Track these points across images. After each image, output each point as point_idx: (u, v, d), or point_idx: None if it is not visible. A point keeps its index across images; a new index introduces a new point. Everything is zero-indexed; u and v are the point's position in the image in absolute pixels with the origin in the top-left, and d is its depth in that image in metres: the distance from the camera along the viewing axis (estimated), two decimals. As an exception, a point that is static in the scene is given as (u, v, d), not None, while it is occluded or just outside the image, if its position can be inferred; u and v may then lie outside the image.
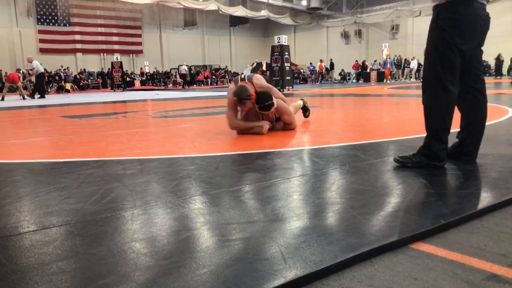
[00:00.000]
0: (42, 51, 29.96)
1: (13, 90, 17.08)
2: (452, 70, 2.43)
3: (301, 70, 31.87)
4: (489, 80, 19.53)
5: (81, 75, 29.45)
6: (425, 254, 1.40)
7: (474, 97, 2.58)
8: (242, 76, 4.93)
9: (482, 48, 2.60)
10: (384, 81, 24.17)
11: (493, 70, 24.08)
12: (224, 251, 1.39)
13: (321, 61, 29.31)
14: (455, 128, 2.71)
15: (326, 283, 1.23)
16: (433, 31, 2.49)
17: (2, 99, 14.40)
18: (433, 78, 2.48)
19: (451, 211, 1.73)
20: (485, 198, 1.94)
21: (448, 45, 2.40)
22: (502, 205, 1.84)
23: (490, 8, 2.52)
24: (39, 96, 15.82)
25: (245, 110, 4.19)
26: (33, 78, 16.48)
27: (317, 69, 29.02)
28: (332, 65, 28.02)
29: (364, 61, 28.71)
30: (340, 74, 30.58)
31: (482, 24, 2.45)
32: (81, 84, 28.74)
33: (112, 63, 23.62)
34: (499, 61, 23.55)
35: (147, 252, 1.41)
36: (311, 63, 30.61)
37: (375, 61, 27.53)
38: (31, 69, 15.91)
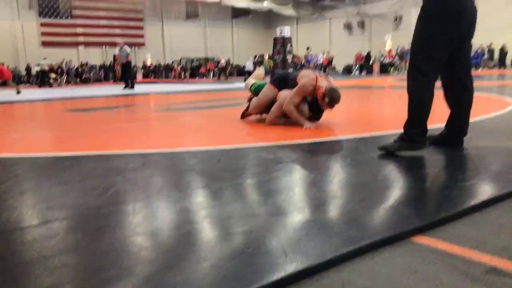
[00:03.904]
0: (44, 44, 29.97)
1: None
2: (432, 60, 2.51)
3: (302, 62, 31.64)
4: (493, 72, 19.43)
5: (83, 68, 29.45)
6: (426, 247, 1.40)
7: (460, 88, 2.67)
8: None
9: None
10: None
11: (497, 61, 23.93)
12: (225, 244, 1.40)
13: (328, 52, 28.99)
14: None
15: (327, 276, 1.23)
16: (419, 21, 2.57)
17: None
18: (414, 66, 2.57)
19: (452, 204, 1.73)
20: (486, 191, 1.93)
21: (431, 35, 2.48)
22: (503, 198, 1.83)
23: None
24: (129, 86, 14.61)
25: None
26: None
27: (321, 61, 28.58)
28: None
29: (369, 52, 28.46)
30: (344, 66, 30.37)
31: (468, 15, 2.49)
32: (84, 77, 28.75)
33: (114, 55, 23.55)
34: (503, 52, 23.40)
35: (148, 245, 1.42)
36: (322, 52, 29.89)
37: (379, 51, 27.39)
38: (124, 55, 14.46)
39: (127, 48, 14.43)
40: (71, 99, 10.64)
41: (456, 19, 2.45)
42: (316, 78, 4.00)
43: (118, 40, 15.13)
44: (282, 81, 4.31)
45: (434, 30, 2.47)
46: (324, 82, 3.99)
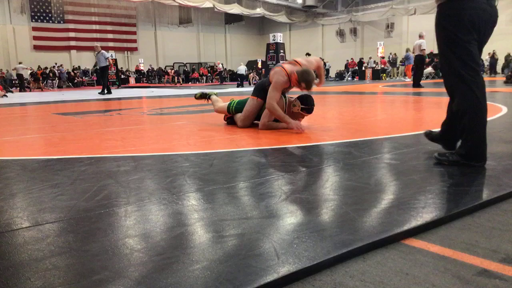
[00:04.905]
0: (36, 48, 29.79)
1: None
2: (470, 62, 2.40)
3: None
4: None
5: (75, 72, 29.31)
6: (417, 250, 1.41)
7: None
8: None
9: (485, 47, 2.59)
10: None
11: (487, 68, 24.21)
12: (217, 247, 1.40)
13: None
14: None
15: (319, 279, 1.24)
16: (439, 32, 2.51)
17: None
18: (456, 77, 2.46)
19: (443, 208, 1.75)
20: (477, 195, 1.95)
21: (455, 42, 2.41)
22: (493, 201, 1.86)
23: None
24: (106, 91, 14.49)
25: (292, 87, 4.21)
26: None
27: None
28: None
29: (361, 58, 28.62)
30: (336, 72, 30.57)
31: (486, 18, 2.40)
32: (76, 81, 28.62)
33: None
34: (493, 59, 23.69)
35: (140, 248, 1.41)
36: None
37: (370, 58, 27.62)
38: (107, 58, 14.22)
39: (105, 53, 14.22)
40: (62, 102, 10.58)
41: (472, 26, 2.37)
42: (283, 68, 4.13)
43: (96, 44, 14.89)
44: (262, 90, 4.37)
45: (458, 35, 2.38)
46: (293, 68, 4.12)
